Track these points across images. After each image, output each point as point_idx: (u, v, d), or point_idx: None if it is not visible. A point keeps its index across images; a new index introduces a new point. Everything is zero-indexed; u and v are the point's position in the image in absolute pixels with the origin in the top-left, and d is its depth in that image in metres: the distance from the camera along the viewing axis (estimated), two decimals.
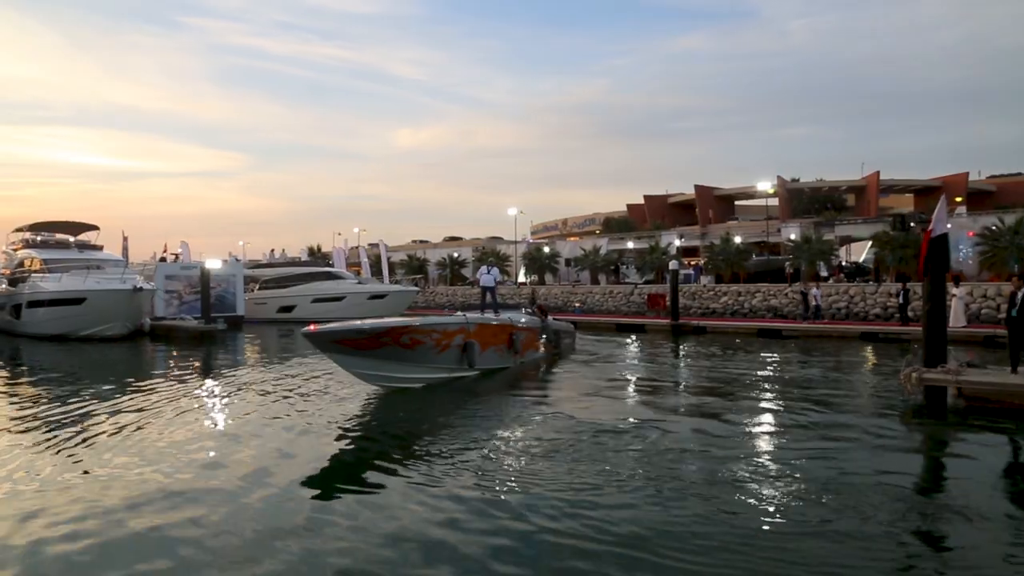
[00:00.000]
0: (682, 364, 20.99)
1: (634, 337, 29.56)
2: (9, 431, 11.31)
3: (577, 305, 42.82)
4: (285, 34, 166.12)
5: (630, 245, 56.82)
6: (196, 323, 33.74)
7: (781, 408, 12.98)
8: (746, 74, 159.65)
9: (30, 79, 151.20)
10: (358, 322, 14.93)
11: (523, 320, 20.08)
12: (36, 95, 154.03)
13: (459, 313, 18.10)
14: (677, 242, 54.73)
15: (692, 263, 52.16)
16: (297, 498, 7.68)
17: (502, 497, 7.46)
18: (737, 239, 47.76)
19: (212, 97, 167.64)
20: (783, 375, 17.81)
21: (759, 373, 18.06)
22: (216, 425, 12.11)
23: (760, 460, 8.97)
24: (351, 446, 10.61)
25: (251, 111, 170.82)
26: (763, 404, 13.49)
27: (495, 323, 18.16)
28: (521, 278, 58.86)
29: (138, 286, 31.46)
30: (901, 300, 28.21)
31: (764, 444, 10.03)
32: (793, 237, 45.29)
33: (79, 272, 33.34)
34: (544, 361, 19.96)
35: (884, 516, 6.77)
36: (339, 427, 11.64)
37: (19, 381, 18.77)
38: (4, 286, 38.61)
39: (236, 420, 12.48)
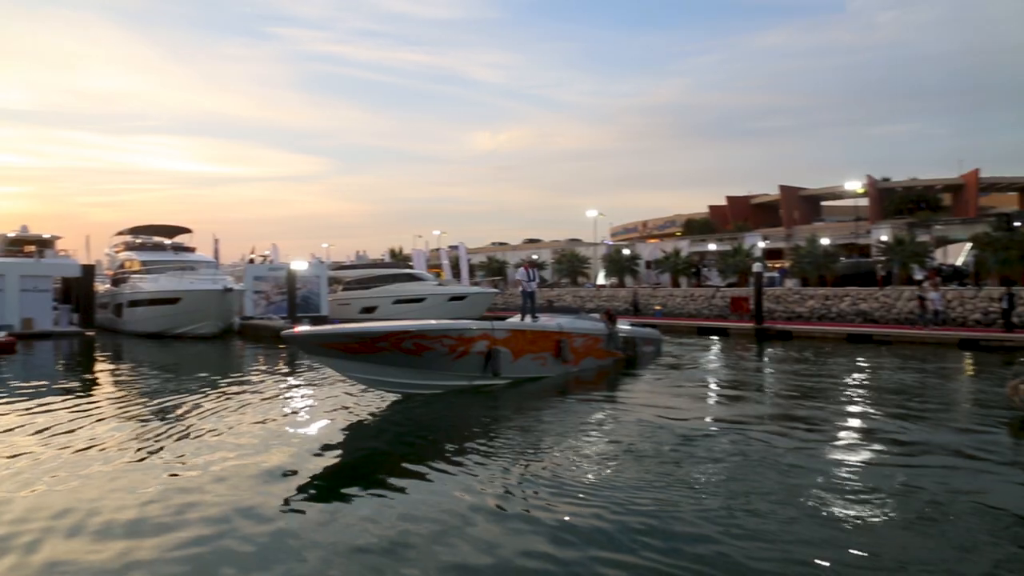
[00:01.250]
0: (767, 369, 20.40)
1: (716, 341, 28.96)
2: (107, 418, 11.95)
3: (657, 308, 42.24)
4: (367, 41, 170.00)
5: (712, 247, 55.65)
6: (283, 323, 34.77)
7: (873, 419, 12.39)
8: (833, 70, 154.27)
9: (133, 92, 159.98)
10: (351, 325, 14.60)
11: (582, 326, 18.87)
12: (137, 106, 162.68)
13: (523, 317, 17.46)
14: (761, 244, 53.29)
15: (776, 266, 50.74)
16: (344, 503, 7.78)
17: (563, 509, 7.21)
18: (824, 241, 46.20)
19: (298, 104, 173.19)
20: (875, 383, 17.04)
21: (850, 380, 17.37)
22: (279, 418, 12.52)
23: (848, 477, 8.51)
24: (405, 447, 10.69)
25: (335, 117, 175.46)
26: (853, 414, 12.93)
27: (534, 330, 16.93)
28: (600, 280, 58.44)
29: (229, 287, 32.71)
30: (1005, 305, 26.71)
31: (853, 459, 9.48)
32: (884, 238, 43.52)
33: (175, 273, 35.00)
34: (607, 370, 18.66)
35: (987, 547, 6.26)
36: (400, 427, 11.96)
37: (122, 375, 19.89)
38: (108, 286, 40.83)
39: (301, 414, 13.01)
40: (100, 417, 12.59)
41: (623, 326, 21.22)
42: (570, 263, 59.42)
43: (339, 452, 10.17)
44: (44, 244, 43.31)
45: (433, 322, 15.75)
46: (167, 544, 6.41)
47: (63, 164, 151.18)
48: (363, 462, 9.87)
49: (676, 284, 51.95)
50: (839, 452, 9.83)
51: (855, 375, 18.45)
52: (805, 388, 15.96)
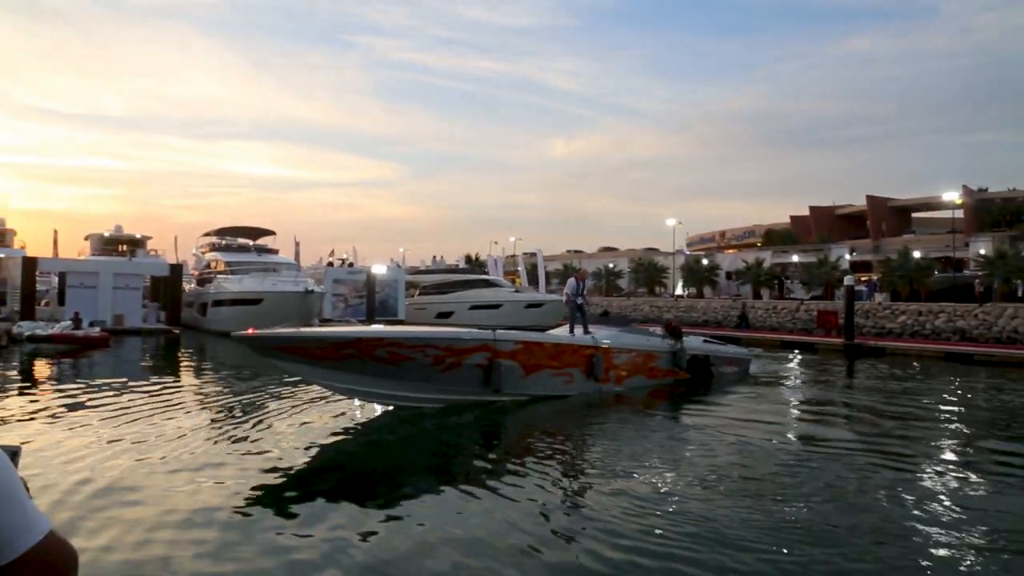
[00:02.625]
0: (862, 388, 19.30)
1: (802, 356, 27.77)
2: (182, 409, 12.15)
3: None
4: (445, 49, 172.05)
5: (795, 258, 53.99)
6: (361, 325, 35.14)
7: (987, 448, 11.40)
8: (924, 76, 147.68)
9: (218, 98, 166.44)
10: (315, 329, 13.96)
11: (628, 340, 17.09)
12: (222, 112, 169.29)
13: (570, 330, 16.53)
14: (848, 256, 51.42)
15: (863, 279, 48.86)
16: (395, 508, 7.54)
17: (630, 535, 6.51)
18: (916, 254, 44.18)
19: (376, 111, 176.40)
20: (987, 406, 15.86)
21: (955, 403, 16.25)
22: (333, 419, 12.53)
23: (956, 515, 7.48)
24: (466, 454, 10.40)
25: (411, 123, 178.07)
26: (962, 440, 11.94)
27: (556, 343, 15.36)
28: (679, 290, 57.36)
29: (310, 289, 33.25)
30: None
31: (970, 493, 8.54)
32: (984, 252, 41.30)
33: (257, 274, 35.84)
34: (663, 389, 16.73)
35: None
36: (469, 430, 11.84)
37: (203, 372, 20.41)
38: (193, 285, 42.15)
39: (366, 414, 12.99)
40: (175, 410, 12.86)
41: (696, 342, 19.15)
42: (647, 272, 58.54)
43: (397, 456, 10.12)
44: (136, 244, 45.08)
45: (417, 329, 14.58)
46: (186, 536, 6.39)
47: (152, 167, 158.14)
48: (420, 469, 9.61)
49: (757, 296, 50.53)
50: (947, 485, 8.82)
51: (962, 397, 17.30)
52: (909, 411, 14.81)
